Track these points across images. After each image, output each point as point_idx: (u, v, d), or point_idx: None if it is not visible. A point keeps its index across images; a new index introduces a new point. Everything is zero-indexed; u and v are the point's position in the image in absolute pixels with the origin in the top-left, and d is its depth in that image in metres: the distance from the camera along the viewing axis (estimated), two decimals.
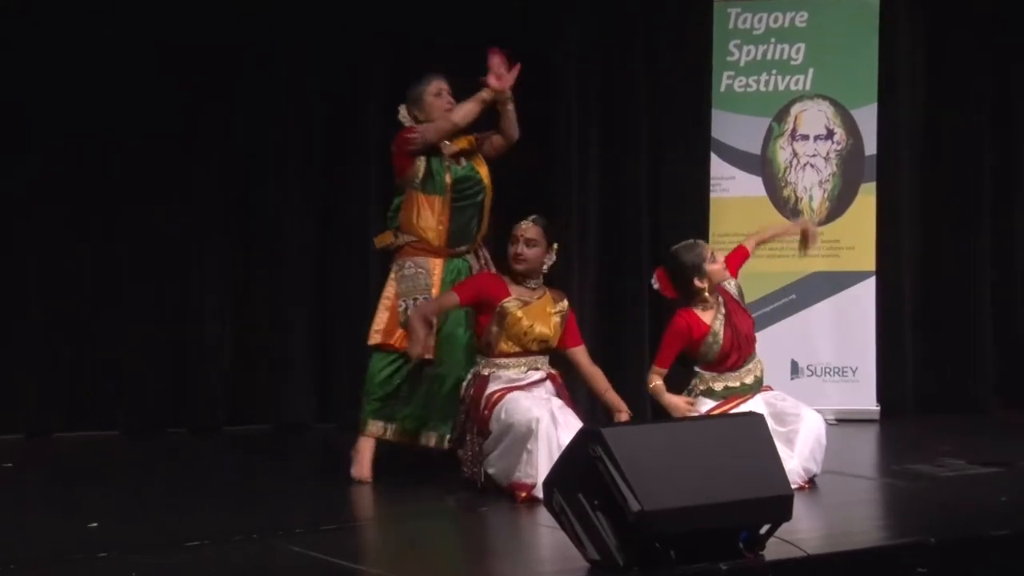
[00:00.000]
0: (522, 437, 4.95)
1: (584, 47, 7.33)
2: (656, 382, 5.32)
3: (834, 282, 7.25)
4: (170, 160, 6.91)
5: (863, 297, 7.25)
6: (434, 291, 5.41)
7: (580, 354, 5.36)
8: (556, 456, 4.79)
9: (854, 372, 7.22)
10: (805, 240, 5.81)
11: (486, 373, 5.22)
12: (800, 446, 5.18)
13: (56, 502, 5.17)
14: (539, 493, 4.75)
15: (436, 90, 5.55)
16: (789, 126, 7.36)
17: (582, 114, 7.32)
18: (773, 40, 7.33)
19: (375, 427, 5.41)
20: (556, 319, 5.26)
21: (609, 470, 3.64)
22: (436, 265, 5.46)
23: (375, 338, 5.43)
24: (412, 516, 4.88)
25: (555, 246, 5.34)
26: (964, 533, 4.40)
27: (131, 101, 6.78)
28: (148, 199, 6.88)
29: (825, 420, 5.43)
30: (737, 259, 5.58)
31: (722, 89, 7.32)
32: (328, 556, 4.13)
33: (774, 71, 7.34)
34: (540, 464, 4.88)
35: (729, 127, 7.31)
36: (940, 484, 5.42)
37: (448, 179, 5.46)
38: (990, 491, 5.14)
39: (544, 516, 4.15)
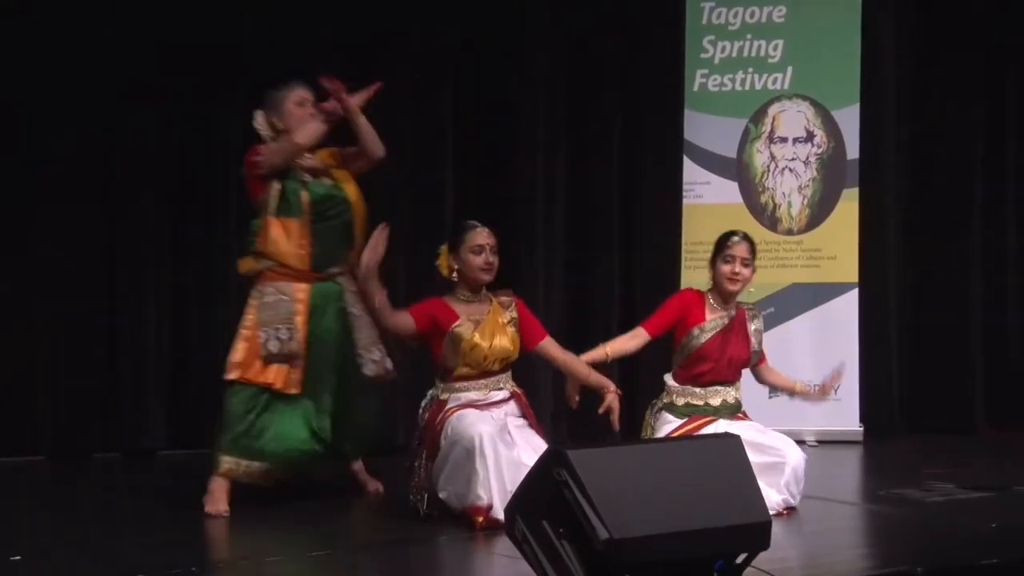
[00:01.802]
0: (466, 455, 4.95)
1: (551, 43, 7.35)
2: (608, 347, 5.37)
3: (815, 294, 7.29)
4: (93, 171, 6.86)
5: (845, 310, 7.30)
6: (299, 319, 5.32)
7: (549, 346, 5.36)
8: (505, 475, 4.85)
9: (836, 391, 7.25)
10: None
11: (444, 397, 5.21)
12: (777, 479, 5.21)
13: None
14: (497, 515, 4.77)
15: (299, 99, 5.45)
16: (767, 128, 7.40)
17: (548, 115, 7.35)
18: (749, 36, 7.37)
19: (228, 465, 5.27)
20: (511, 329, 5.25)
21: (575, 495, 3.63)
22: (300, 290, 5.36)
23: (232, 372, 5.31)
24: (362, 546, 4.86)
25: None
26: (953, 562, 4.44)
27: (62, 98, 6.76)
28: (73, 213, 6.81)
29: (805, 442, 5.46)
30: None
31: (695, 88, 7.36)
32: None
33: (751, 69, 7.38)
34: (492, 483, 4.88)
35: (703, 129, 7.35)
36: (928, 510, 5.46)
37: (306, 198, 5.37)
38: (980, 517, 5.18)
39: (502, 545, 4.15)
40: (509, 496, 4.44)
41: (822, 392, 5.64)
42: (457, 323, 5.16)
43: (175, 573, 4.34)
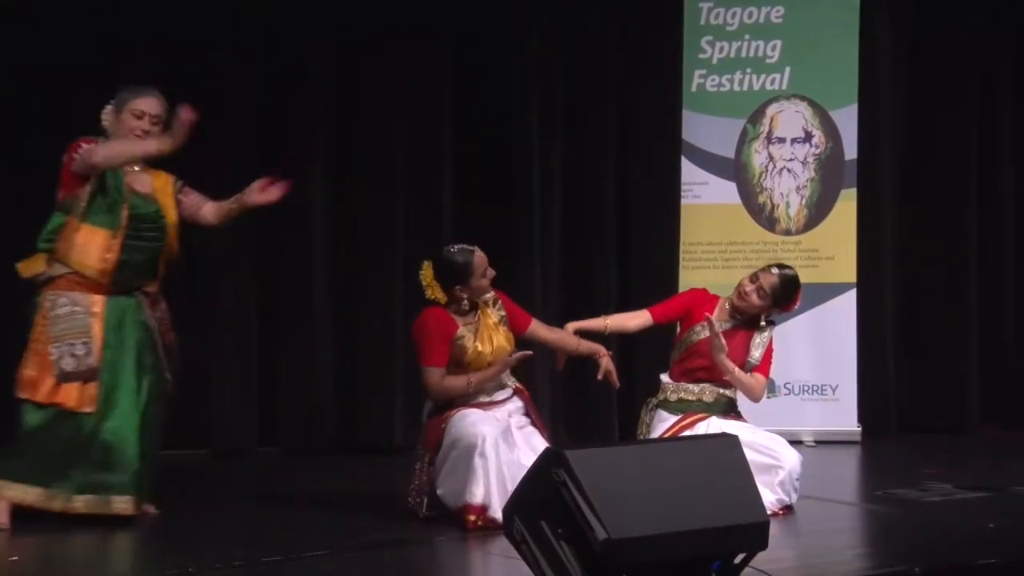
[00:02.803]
0: (467, 453, 4.96)
1: (546, 43, 7.35)
2: (612, 319, 5.45)
3: (813, 294, 7.28)
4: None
5: (843, 310, 7.31)
6: (95, 331, 4.98)
7: (537, 328, 5.41)
8: (506, 474, 4.86)
9: (834, 391, 7.27)
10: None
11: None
12: (773, 479, 5.22)
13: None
14: (494, 515, 4.77)
15: (138, 111, 5.06)
16: (765, 128, 7.41)
17: (544, 115, 7.34)
18: (747, 36, 7.38)
19: (12, 490, 4.92)
20: (503, 327, 5.28)
21: (573, 495, 3.64)
22: (96, 303, 5.00)
23: (24, 391, 4.95)
24: (360, 547, 4.86)
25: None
26: (951, 562, 4.45)
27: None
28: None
29: (803, 443, 5.47)
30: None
31: (693, 89, 7.36)
32: None
33: (748, 69, 7.39)
34: (491, 482, 4.89)
35: (701, 129, 7.35)
36: (925, 510, 5.47)
37: (126, 214, 5.02)
38: (978, 517, 5.19)
39: (499, 545, 4.15)
40: (507, 496, 4.51)
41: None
42: (458, 333, 5.18)
43: (172, 574, 4.34)
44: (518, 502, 3.90)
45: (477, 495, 4.92)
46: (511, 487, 4.62)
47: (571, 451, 3.73)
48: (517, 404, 5.28)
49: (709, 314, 5.36)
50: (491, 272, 5.22)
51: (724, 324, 5.42)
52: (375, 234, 7.16)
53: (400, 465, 5.43)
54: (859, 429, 7.29)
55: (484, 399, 5.20)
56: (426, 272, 5.19)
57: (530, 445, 5.09)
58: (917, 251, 7.80)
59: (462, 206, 7.14)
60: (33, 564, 4.57)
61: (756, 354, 5.44)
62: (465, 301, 5.20)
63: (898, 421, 7.67)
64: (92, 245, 4.99)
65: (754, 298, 5.41)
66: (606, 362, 5.29)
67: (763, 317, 5.47)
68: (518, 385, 5.33)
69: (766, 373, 5.50)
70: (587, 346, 5.38)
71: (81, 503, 4.97)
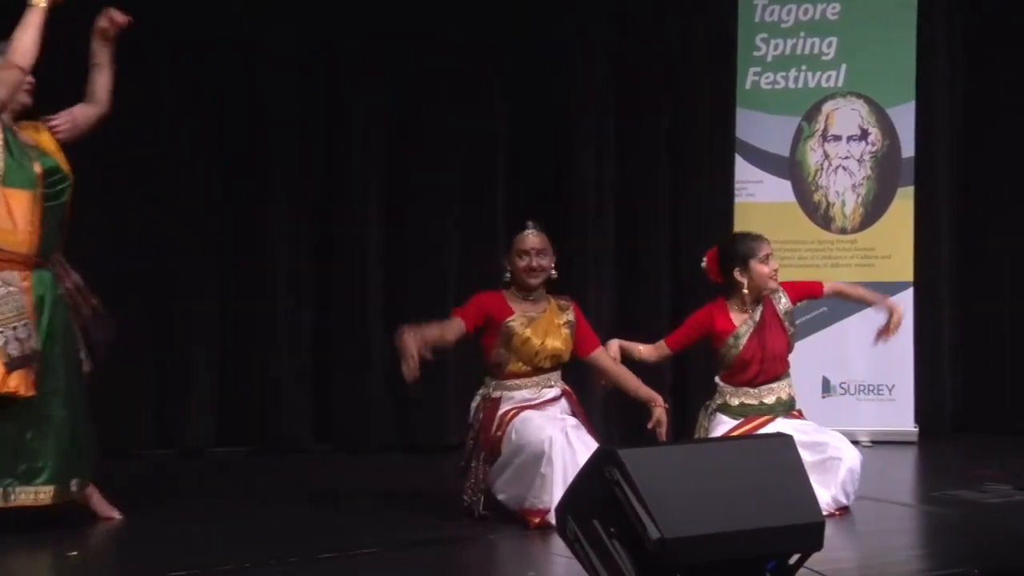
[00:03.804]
0: (534, 459, 4.95)
1: (599, 42, 7.34)
2: (640, 348, 5.35)
3: None
4: (146, 167, 6.92)
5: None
6: (28, 311, 4.67)
7: (601, 357, 5.35)
8: (569, 478, 4.82)
9: (890, 390, 7.20)
10: (888, 323, 5.54)
11: (496, 395, 5.21)
12: (832, 478, 5.17)
13: (33, 528, 5.17)
14: (553, 519, 4.76)
15: None
16: (820, 126, 7.35)
17: (597, 115, 7.33)
18: (803, 33, 7.32)
19: None
20: (566, 331, 5.26)
21: (626, 495, 3.62)
22: (25, 278, 4.67)
23: None
24: (412, 544, 4.87)
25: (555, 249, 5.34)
26: (1010, 564, 4.39)
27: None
28: (129, 210, 6.89)
29: (859, 443, 5.42)
30: (803, 288, 5.55)
31: (748, 86, 7.32)
32: None
33: (804, 67, 7.33)
34: (555, 489, 4.87)
35: (755, 127, 7.30)
36: (984, 511, 5.40)
37: (39, 169, 4.67)
38: None
39: (557, 545, 4.14)
40: None
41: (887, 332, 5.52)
42: (511, 317, 5.17)
43: (226, 569, 4.37)
44: (571, 501, 3.89)
45: (545, 501, 4.91)
46: None
47: (624, 450, 3.70)
48: (564, 406, 5.26)
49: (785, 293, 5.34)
50: (531, 262, 5.18)
51: (751, 321, 5.33)
52: (428, 232, 7.17)
53: (453, 463, 5.42)
54: (916, 429, 7.21)
55: (532, 399, 5.18)
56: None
57: (584, 444, 5.06)
58: (974, 250, 7.71)
59: (515, 204, 7.13)
60: (89, 558, 4.61)
61: (789, 324, 5.43)
62: (522, 290, 5.18)
63: (954, 422, 7.59)
64: (17, 210, 4.64)
65: (778, 267, 5.39)
66: (659, 413, 5.23)
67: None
68: (566, 388, 5.31)
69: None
70: (645, 391, 5.31)
71: (24, 495, 4.70)
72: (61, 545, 4.69)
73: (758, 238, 5.40)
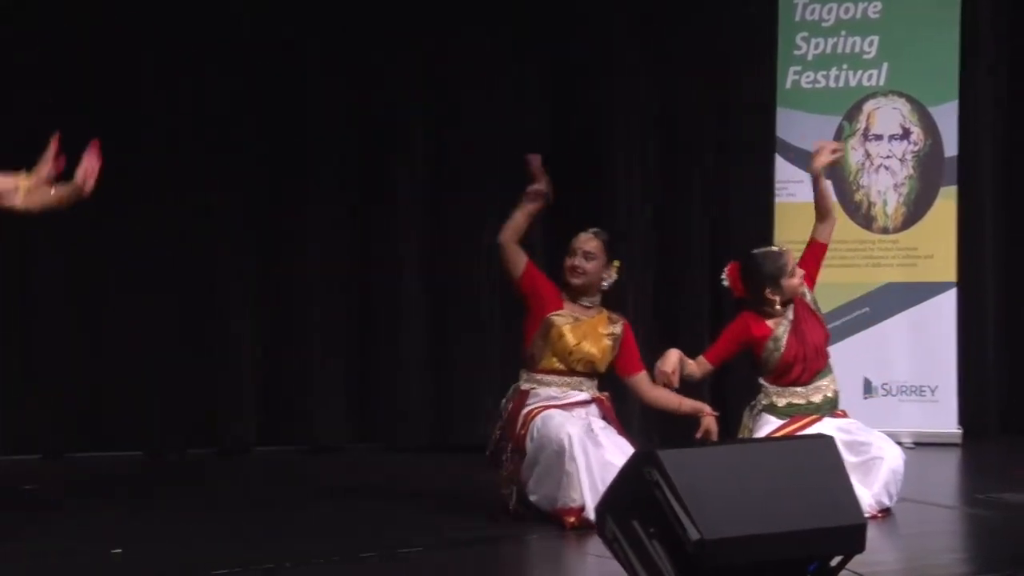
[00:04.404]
0: (556, 457, 4.94)
1: (639, 41, 7.32)
2: (690, 367, 5.27)
3: (911, 294, 7.17)
4: (187, 171, 6.98)
5: (943, 310, 7.17)
6: None
7: (642, 381, 5.31)
8: (596, 475, 4.84)
9: (933, 391, 7.14)
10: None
11: (526, 388, 5.21)
12: (874, 478, 5.13)
13: (79, 526, 5.23)
14: (590, 515, 4.75)
15: None
16: (861, 125, 7.30)
17: (637, 115, 7.31)
18: (844, 32, 7.27)
19: None
20: (607, 341, 5.23)
21: (666, 495, 3.60)
22: None
23: None
24: (453, 544, 4.87)
25: (616, 264, 5.28)
26: None
27: (153, 106, 6.88)
28: (172, 212, 6.95)
29: (901, 444, 5.37)
30: (814, 260, 5.46)
31: (788, 86, 7.28)
32: None
33: (845, 66, 7.28)
34: (584, 485, 4.87)
35: (796, 126, 7.26)
36: None
37: None
38: None
39: (593, 544, 4.13)
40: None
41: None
42: (558, 312, 5.17)
43: (267, 568, 4.39)
44: (610, 501, 3.88)
45: (574, 498, 4.90)
46: (601, 485, 4.65)
47: (663, 451, 3.68)
48: (595, 410, 5.23)
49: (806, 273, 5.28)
50: (575, 261, 5.18)
51: (787, 322, 5.28)
52: (466, 234, 7.18)
53: (485, 457, 5.41)
54: (959, 431, 7.14)
55: (559, 397, 5.17)
56: None
57: (615, 443, 5.05)
58: (1019, 249, 7.63)
59: (556, 204, 7.12)
60: (133, 556, 4.64)
61: (821, 315, 5.40)
62: (572, 291, 5.17)
63: (999, 423, 7.51)
64: None
65: (801, 270, 5.33)
66: (708, 421, 5.18)
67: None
68: (598, 395, 5.28)
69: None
70: (689, 404, 5.27)
71: None
72: (105, 543, 4.72)
73: (781, 254, 5.33)
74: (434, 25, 7.19)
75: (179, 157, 6.94)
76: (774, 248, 5.42)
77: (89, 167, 4.58)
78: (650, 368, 5.25)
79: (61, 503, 5.81)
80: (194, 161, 6.98)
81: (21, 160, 6.67)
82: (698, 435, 5.17)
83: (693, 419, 5.22)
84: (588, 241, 5.22)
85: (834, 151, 5.59)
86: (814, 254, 5.46)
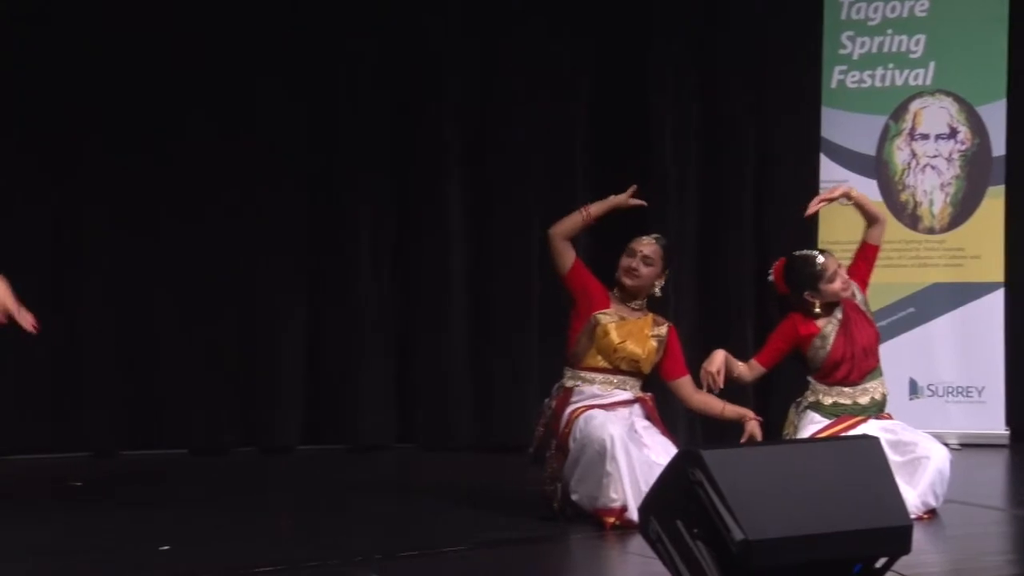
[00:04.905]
0: (597, 457, 4.93)
1: (684, 41, 7.29)
2: (739, 367, 5.25)
3: (958, 294, 7.10)
4: (235, 172, 7.03)
5: (990, 310, 7.10)
6: None
7: (685, 386, 5.29)
8: (639, 475, 4.82)
9: (980, 392, 7.07)
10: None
11: (570, 386, 5.20)
12: (920, 478, 5.08)
13: (127, 523, 5.27)
14: (631, 516, 4.74)
15: None
16: (907, 125, 7.24)
17: (680, 114, 7.29)
18: (890, 31, 7.21)
19: None
20: (653, 343, 5.22)
21: (710, 496, 3.58)
22: None
23: None
24: (496, 543, 4.87)
25: (667, 272, 5.28)
26: None
27: (203, 108, 6.94)
28: (219, 215, 7.00)
29: (947, 445, 5.32)
30: (865, 262, 5.42)
31: (833, 85, 7.23)
32: None
33: (891, 65, 7.22)
34: (625, 485, 4.86)
35: (841, 126, 7.21)
36: None
37: None
38: None
39: (635, 544, 4.12)
40: (642, 496, 4.45)
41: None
42: (604, 311, 5.17)
43: (311, 566, 4.41)
44: (654, 501, 3.86)
45: (615, 499, 4.90)
46: (643, 485, 4.66)
47: (707, 451, 3.66)
48: (638, 410, 5.22)
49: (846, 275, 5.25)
50: (633, 263, 5.17)
51: (835, 320, 5.25)
52: (509, 237, 7.19)
53: (528, 454, 5.41)
54: (1007, 432, 7.07)
55: (601, 395, 5.17)
56: None
57: (658, 443, 5.05)
58: None
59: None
60: (180, 552, 4.67)
61: (870, 314, 5.36)
62: (622, 292, 5.18)
63: None
64: None
65: (846, 275, 5.29)
66: (752, 426, 5.16)
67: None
68: (641, 395, 5.27)
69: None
70: (732, 410, 5.24)
71: None
72: (154, 539, 4.77)
73: (823, 260, 5.27)
74: (480, 26, 7.20)
75: (227, 159, 7.00)
76: (813, 253, 5.36)
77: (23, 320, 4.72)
78: (696, 371, 5.24)
79: (110, 500, 5.87)
80: (243, 163, 7.03)
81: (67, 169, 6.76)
82: (743, 440, 5.14)
83: (738, 424, 5.20)
84: (648, 245, 5.21)
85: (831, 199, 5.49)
86: (865, 256, 5.42)
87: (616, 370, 5.20)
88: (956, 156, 7.20)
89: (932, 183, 7.21)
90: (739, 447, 3.97)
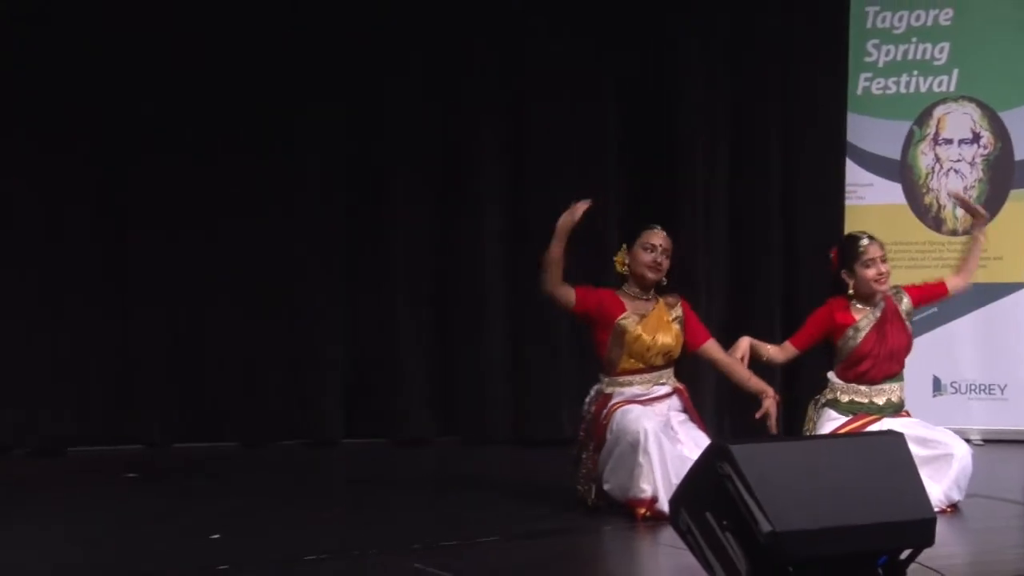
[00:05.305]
0: (631, 449, 4.92)
1: (712, 46, 7.25)
2: (768, 349, 5.24)
3: (980, 294, 7.01)
4: (276, 171, 7.05)
5: (1012, 310, 7.02)
6: None
7: (712, 349, 5.28)
8: (670, 469, 4.82)
9: (1002, 390, 6.99)
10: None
11: (609, 391, 5.18)
12: (944, 474, 5.03)
13: (179, 513, 5.29)
14: (661, 507, 4.72)
15: None
16: (931, 130, 7.17)
17: (710, 119, 7.24)
18: (915, 39, 7.15)
19: None
20: (676, 326, 5.21)
21: (738, 489, 3.56)
22: None
23: None
24: (532, 535, 4.86)
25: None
26: None
27: (239, 113, 6.96)
28: (264, 215, 7.02)
29: (971, 441, 5.26)
30: (929, 292, 5.40)
31: (859, 92, 7.17)
32: (447, 573, 4.14)
33: (915, 72, 7.16)
34: (657, 477, 4.85)
35: (866, 131, 7.15)
36: None
37: None
38: None
39: (666, 535, 4.10)
40: (673, 489, 4.45)
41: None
42: (623, 315, 5.14)
43: (354, 554, 4.41)
44: (684, 494, 3.84)
45: (646, 490, 4.88)
46: (675, 479, 4.63)
47: (736, 446, 3.65)
48: (675, 403, 5.20)
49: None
50: (656, 257, 5.14)
51: (872, 316, 5.22)
52: (544, 240, 7.15)
53: (567, 456, 5.39)
54: None
55: (643, 395, 5.14)
56: (621, 253, 5.23)
57: (691, 438, 5.03)
58: None
59: (628, 204, 7.11)
60: (229, 540, 4.69)
61: (909, 324, 5.31)
62: (626, 269, 5.15)
63: None
64: None
65: (887, 268, 5.23)
66: (769, 404, 5.15)
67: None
68: (678, 385, 5.25)
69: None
70: (756, 383, 5.23)
71: None
72: (203, 528, 4.78)
73: (865, 242, 5.23)
74: (510, 37, 7.18)
75: (271, 163, 7.02)
76: (862, 234, 5.33)
77: None
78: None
79: (163, 491, 5.90)
80: (287, 166, 7.05)
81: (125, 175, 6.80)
82: (758, 415, 5.14)
83: (756, 400, 5.17)
84: (665, 238, 5.19)
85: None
86: (932, 289, 5.41)
87: (651, 368, 5.18)
88: (979, 160, 7.14)
89: (955, 186, 7.13)
90: (767, 442, 3.94)
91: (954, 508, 5.09)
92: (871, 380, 5.24)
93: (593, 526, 4.90)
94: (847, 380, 5.26)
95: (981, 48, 7.07)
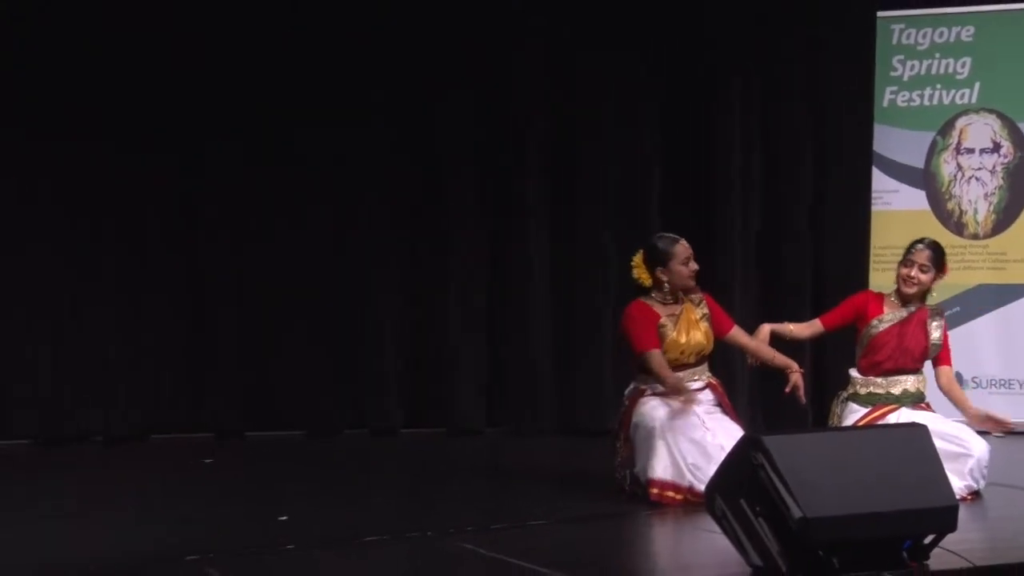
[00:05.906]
0: (648, 435, 4.98)
1: (745, 62, 7.24)
2: (790, 327, 5.27)
3: (1000, 294, 6.98)
4: (348, 179, 7.11)
5: None
6: None
7: (737, 334, 5.29)
8: (684, 455, 4.90)
9: (1021, 384, 6.94)
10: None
11: (644, 388, 5.19)
12: (963, 466, 5.00)
13: (250, 496, 5.36)
14: (671, 490, 4.87)
15: None
16: (954, 140, 7.12)
17: (744, 129, 7.23)
18: (938, 55, 7.11)
19: None
20: (704, 324, 5.21)
21: (771, 477, 3.58)
22: None
23: None
24: (576, 519, 4.88)
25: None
26: None
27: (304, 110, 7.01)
28: (328, 217, 7.08)
29: (990, 434, 5.22)
30: (721, 317, 5.29)
31: (885, 104, 7.14)
32: (497, 554, 4.17)
33: (938, 85, 7.12)
34: (667, 462, 4.92)
35: (892, 141, 7.12)
36: None
37: None
38: None
39: (706, 521, 4.11)
40: (687, 469, 4.78)
41: (992, 424, 5.28)
42: (660, 321, 5.14)
43: (414, 536, 4.45)
44: (720, 482, 3.86)
45: (656, 469, 4.94)
46: (683, 464, 4.84)
47: (768, 436, 3.68)
48: (709, 396, 5.20)
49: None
50: (693, 265, 5.15)
51: (898, 315, 5.21)
52: (587, 240, 7.19)
53: (611, 445, 5.41)
54: None
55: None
56: (637, 257, 5.19)
57: (724, 428, 5.02)
58: None
59: (666, 209, 7.12)
60: (293, 522, 4.74)
61: (935, 335, 5.25)
62: (666, 286, 5.13)
63: None
64: None
65: (921, 276, 5.20)
66: (796, 378, 5.15)
67: (929, 302, 5.27)
68: (712, 380, 5.25)
69: (950, 362, 5.30)
70: (781, 359, 5.23)
71: None
72: (272, 510, 4.84)
73: (917, 243, 5.23)
74: (558, 52, 7.20)
75: (336, 169, 7.09)
76: (923, 238, 5.34)
77: None
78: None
79: (236, 476, 5.97)
80: (351, 170, 7.10)
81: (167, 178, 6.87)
82: (787, 390, 5.15)
83: (783, 376, 5.16)
84: (689, 245, 5.16)
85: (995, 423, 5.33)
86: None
87: (684, 365, 5.18)
88: (999, 168, 7.08)
89: (976, 193, 7.09)
90: (798, 434, 3.94)
91: (975, 496, 5.06)
92: (886, 372, 5.22)
93: (637, 511, 4.92)
94: (865, 373, 5.25)
95: (1001, 63, 7.02)
